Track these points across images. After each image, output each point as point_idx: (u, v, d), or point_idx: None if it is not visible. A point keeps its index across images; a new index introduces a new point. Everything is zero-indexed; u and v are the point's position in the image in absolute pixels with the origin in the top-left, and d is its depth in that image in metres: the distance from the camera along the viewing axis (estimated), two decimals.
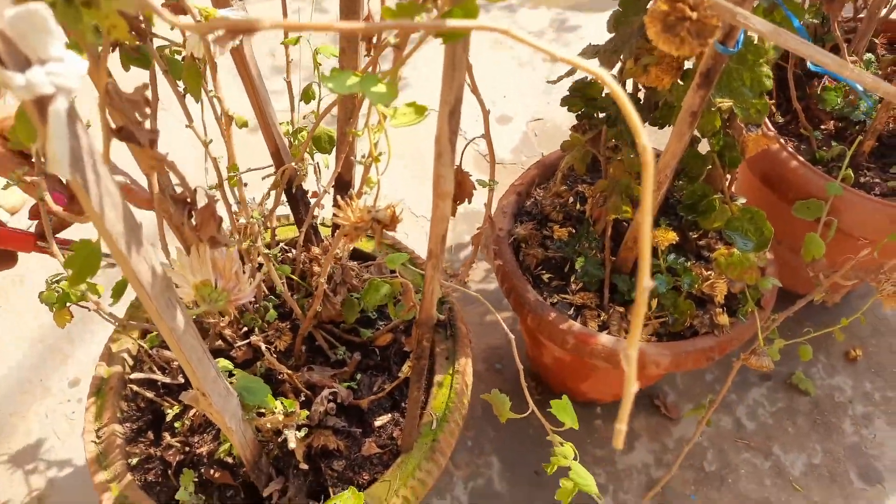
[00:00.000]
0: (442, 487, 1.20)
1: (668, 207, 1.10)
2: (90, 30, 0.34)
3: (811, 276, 1.01)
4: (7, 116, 0.69)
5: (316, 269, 0.87)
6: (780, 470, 1.23)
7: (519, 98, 1.81)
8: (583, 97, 0.93)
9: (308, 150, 0.90)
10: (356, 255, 1.00)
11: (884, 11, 1.16)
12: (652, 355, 0.93)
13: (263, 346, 0.80)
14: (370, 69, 0.63)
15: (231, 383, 0.66)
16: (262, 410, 0.73)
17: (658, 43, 0.48)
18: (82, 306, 0.82)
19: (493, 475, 1.22)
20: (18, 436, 1.25)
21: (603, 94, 0.94)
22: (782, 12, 0.75)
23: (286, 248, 0.98)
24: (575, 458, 0.73)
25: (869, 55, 1.21)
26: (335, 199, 0.81)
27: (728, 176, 0.92)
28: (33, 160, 0.64)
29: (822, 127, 1.19)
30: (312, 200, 0.95)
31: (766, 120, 1.16)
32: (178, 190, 0.61)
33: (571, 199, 1.12)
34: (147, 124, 0.49)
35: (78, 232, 0.67)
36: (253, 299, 0.90)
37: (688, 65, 0.82)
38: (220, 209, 0.68)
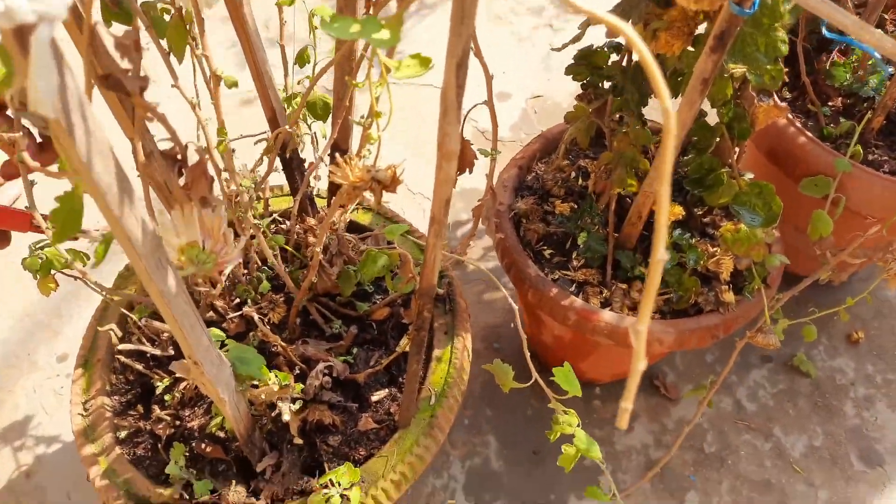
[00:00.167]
0: (438, 466, 1.18)
1: (673, 183, 1.07)
2: None
3: (818, 254, 0.98)
4: None
5: (311, 239, 0.84)
6: (781, 451, 1.22)
7: (518, 75, 1.78)
8: (588, 65, 0.90)
9: (303, 117, 0.87)
10: (353, 227, 0.97)
11: None
12: (656, 333, 0.91)
13: (256, 317, 0.77)
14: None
15: (224, 353, 0.64)
16: (256, 383, 0.70)
17: None
18: (67, 274, 0.79)
19: (490, 454, 1.20)
20: (5, 411, 1.23)
21: (609, 63, 0.91)
22: None
23: (280, 219, 0.95)
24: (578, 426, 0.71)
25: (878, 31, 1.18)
26: (332, 158, 0.78)
27: (736, 149, 0.89)
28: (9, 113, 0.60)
29: (830, 103, 1.17)
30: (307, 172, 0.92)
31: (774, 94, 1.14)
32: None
33: (573, 174, 1.10)
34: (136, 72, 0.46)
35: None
36: (245, 271, 0.88)
37: (699, 31, 0.79)
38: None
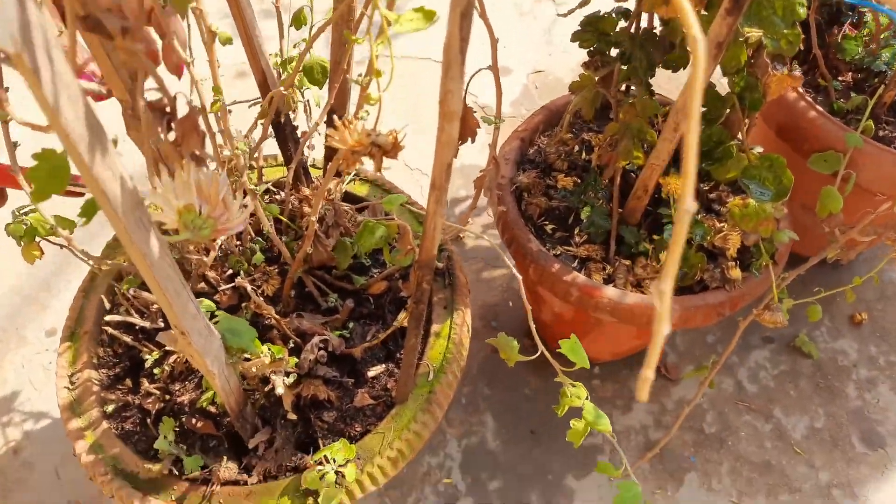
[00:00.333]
0: (435, 445, 1.16)
1: (678, 158, 1.04)
2: None
3: (826, 231, 0.96)
4: None
5: (306, 209, 0.81)
6: (782, 433, 1.20)
7: (519, 49, 1.74)
8: (595, 31, 0.87)
9: (298, 82, 0.84)
10: (349, 198, 0.94)
11: None
12: None
13: (249, 288, 0.74)
14: None
15: (213, 325, 0.61)
16: (248, 356, 0.68)
17: None
18: (53, 242, 0.76)
19: (487, 433, 1.18)
20: None
21: (617, 29, 0.88)
22: None
23: (273, 189, 0.92)
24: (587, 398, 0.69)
25: None
26: (329, 125, 0.75)
27: (747, 121, 0.86)
28: None
29: (840, 78, 1.14)
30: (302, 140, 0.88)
31: None
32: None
33: (577, 148, 1.07)
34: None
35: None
36: (238, 241, 0.85)
37: None
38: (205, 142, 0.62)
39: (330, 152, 0.89)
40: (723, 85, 0.87)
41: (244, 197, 0.75)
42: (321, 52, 0.84)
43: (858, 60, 1.11)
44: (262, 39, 0.77)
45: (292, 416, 0.73)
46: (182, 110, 0.49)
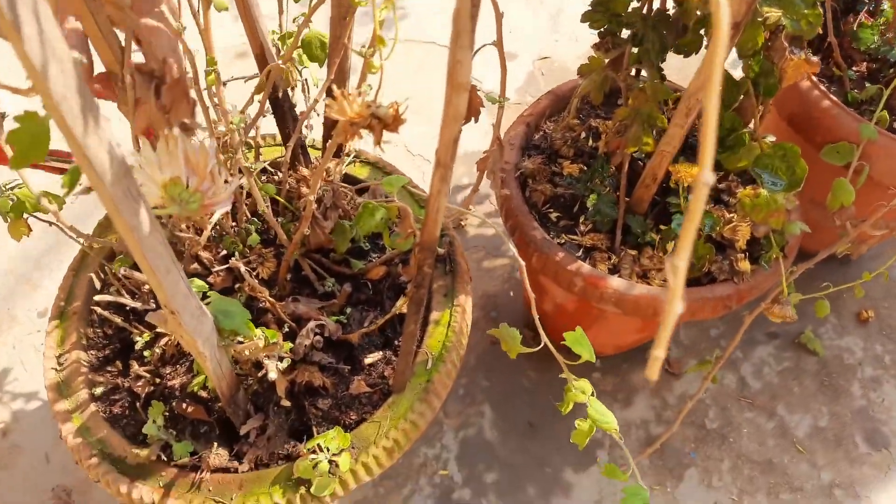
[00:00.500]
0: (431, 436, 1.14)
1: (688, 147, 1.02)
2: None
3: (837, 224, 0.93)
4: None
5: (304, 190, 0.79)
6: (784, 431, 1.18)
7: (525, 35, 1.71)
8: (606, 11, 0.84)
9: (297, 58, 0.81)
10: (349, 180, 0.92)
11: None
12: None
13: (243, 269, 0.72)
14: None
15: (205, 306, 0.58)
16: (241, 339, 0.65)
17: None
18: (41, 219, 0.74)
19: (484, 425, 1.16)
20: None
21: (629, 9, 0.85)
22: None
23: (271, 169, 0.89)
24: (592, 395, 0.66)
25: None
26: (329, 91, 0.72)
27: (761, 107, 0.84)
28: None
29: (855, 68, 1.11)
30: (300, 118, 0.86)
31: None
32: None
33: (584, 134, 1.04)
34: None
35: None
36: (233, 222, 0.82)
37: None
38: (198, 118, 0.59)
39: (329, 131, 0.87)
40: (728, 75, 0.84)
41: (240, 175, 0.73)
42: (321, 29, 0.81)
43: (874, 50, 1.08)
44: (260, 11, 0.74)
45: (286, 403, 0.71)
46: (172, 76, 0.46)
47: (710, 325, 1.30)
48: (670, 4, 0.85)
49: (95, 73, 0.58)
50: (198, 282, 0.67)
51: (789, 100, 1.05)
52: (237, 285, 0.77)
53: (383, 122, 0.54)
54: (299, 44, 0.82)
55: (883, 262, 1.34)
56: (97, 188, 0.41)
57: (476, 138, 1.51)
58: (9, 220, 0.71)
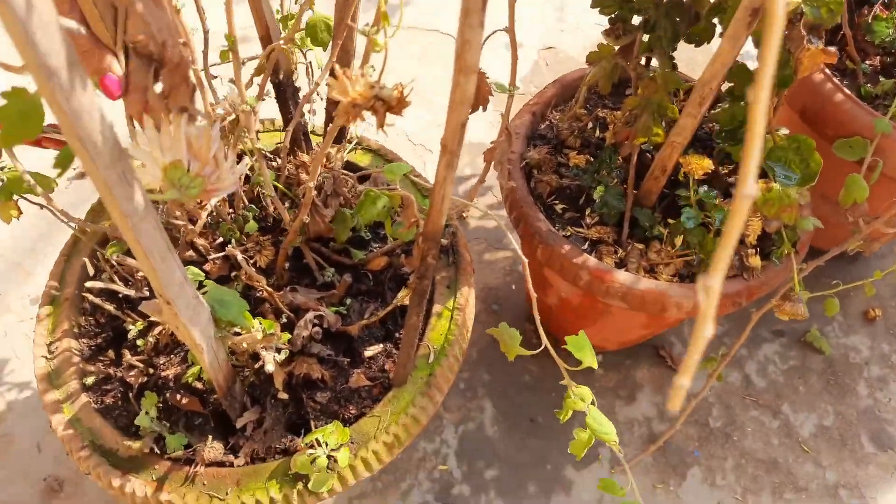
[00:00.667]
0: (431, 430, 1.12)
1: (697, 139, 0.99)
2: None
3: (850, 221, 0.91)
4: None
5: (304, 177, 0.77)
6: (789, 430, 1.16)
7: (530, 24, 1.68)
8: None
9: (300, 41, 0.78)
10: (350, 168, 0.89)
11: None
12: (675, 297, 0.84)
13: (240, 257, 0.70)
14: None
15: (201, 295, 0.56)
16: (238, 330, 0.63)
17: None
18: (32, 202, 0.71)
19: (485, 420, 1.14)
20: None
21: None
22: None
23: (270, 156, 0.87)
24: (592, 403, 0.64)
25: None
26: (331, 72, 0.69)
27: (775, 99, 0.81)
28: None
29: (868, 61, 1.08)
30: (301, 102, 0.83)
31: None
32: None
33: (590, 125, 1.02)
34: None
35: None
36: (230, 209, 0.80)
37: None
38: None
39: (332, 116, 0.84)
40: (743, 66, 0.82)
41: (244, 159, 0.70)
42: (325, 12, 0.78)
43: (888, 43, 1.06)
44: None
45: (283, 396, 0.69)
46: (172, 60, 0.44)
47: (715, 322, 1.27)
48: None
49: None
50: (193, 269, 0.64)
51: (801, 92, 1.03)
52: (234, 274, 0.74)
53: (387, 103, 0.52)
54: (303, 26, 0.79)
55: (893, 260, 1.32)
56: (90, 171, 0.39)
57: (481, 128, 1.48)
58: None
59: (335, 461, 0.64)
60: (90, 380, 0.71)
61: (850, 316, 1.29)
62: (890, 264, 1.34)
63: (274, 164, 0.86)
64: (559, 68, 1.60)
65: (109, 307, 0.75)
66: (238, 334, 0.60)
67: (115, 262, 0.74)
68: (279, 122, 0.89)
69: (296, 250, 0.80)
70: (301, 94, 0.83)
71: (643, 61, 0.91)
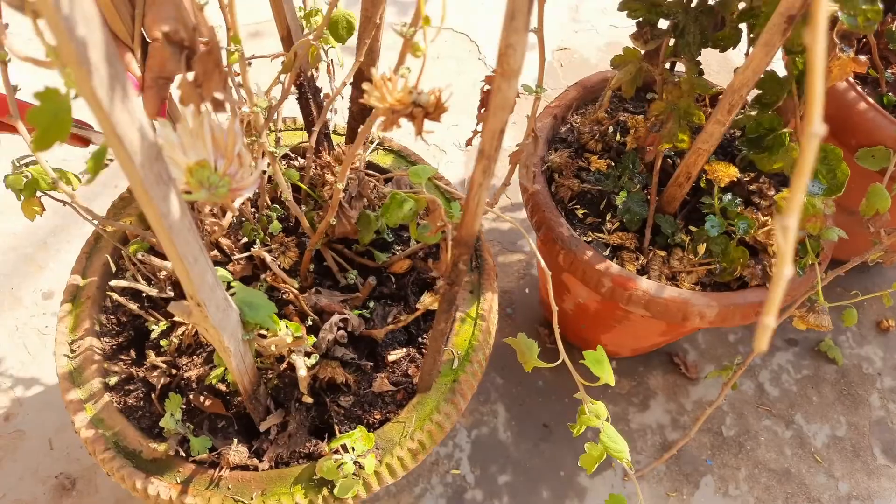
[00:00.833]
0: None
1: (719, 145, 0.99)
2: None
3: (871, 231, 0.91)
4: None
5: (329, 177, 0.76)
6: (802, 440, 1.16)
7: (544, 25, 1.67)
8: (645, 1, 0.81)
9: (322, 39, 0.78)
10: (371, 168, 0.88)
11: None
12: (698, 306, 0.83)
13: (269, 260, 0.69)
14: None
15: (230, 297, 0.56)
16: (264, 332, 0.63)
17: None
18: (55, 198, 0.71)
19: (498, 424, 1.14)
20: None
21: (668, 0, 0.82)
22: None
23: (292, 154, 0.86)
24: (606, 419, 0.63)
25: None
26: (357, 82, 0.69)
27: (801, 108, 0.81)
28: None
29: (890, 70, 1.08)
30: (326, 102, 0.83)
31: None
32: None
33: (611, 129, 1.01)
34: None
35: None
36: (254, 208, 0.79)
37: None
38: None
39: (355, 116, 0.84)
40: (772, 73, 0.81)
41: (263, 159, 0.70)
42: (346, 7, 0.78)
43: None
44: None
45: (307, 399, 0.68)
46: (204, 45, 0.43)
47: (729, 330, 1.27)
48: None
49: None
50: (221, 271, 0.64)
51: (824, 100, 1.02)
52: (259, 275, 0.74)
53: (425, 109, 0.51)
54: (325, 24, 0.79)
55: None
56: (127, 171, 0.38)
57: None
58: (21, 198, 0.68)
59: (362, 467, 0.63)
60: (113, 379, 0.71)
61: (864, 326, 1.29)
62: None
63: (295, 163, 0.86)
64: (574, 69, 1.60)
65: (132, 306, 0.74)
66: (263, 336, 0.59)
67: (138, 261, 0.73)
68: (301, 120, 0.88)
69: (317, 251, 0.79)
70: (321, 93, 0.82)
71: (668, 64, 0.91)
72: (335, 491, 0.62)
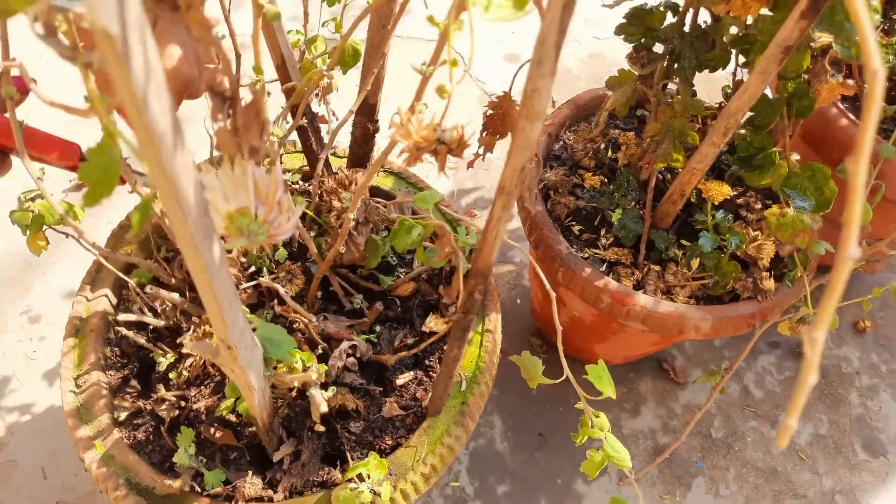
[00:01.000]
0: None
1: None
2: None
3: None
4: None
5: (335, 203, 0.76)
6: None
7: (529, 35, 1.69)
8: (642, 26, 0.82)
9: (322, 62, 0.78)
10: (373, 191, 0.89)
11: None
12: (693, 320, 0.86)
13: (282, 291, 0.69)
14: None
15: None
16: (278, 365, 0.63)
17: None
18: (59, 231, 0.70)
19: (494, 435, 1.15)
20: None
21: (664, 25, 0.84)
22: None
23: (292, 179, 0.86)
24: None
25: None
26: (363, 110, 0.69)
27: (792, 129, 0.84)
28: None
29: (867, 85, 1.12)
30: (321, 125, 0.83)
31: None
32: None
33: (603, 145, 1.03)
34: None
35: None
36: None
37: None
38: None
39: (357, 140, 0.84)
40: (765, 96, 0.84)
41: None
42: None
43: (890, 68, 1.09)
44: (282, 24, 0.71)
45: (320, 428, 0.69)
46: (245, 95, 0.43)
47: None
48: (701, 17, 0.84)
49: None
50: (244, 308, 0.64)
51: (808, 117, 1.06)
52: (264, 301, 0.74)
53: (448, 146, 0.52)
54: (329, 51, 0.79)
55: (882, 275, 1.37)
56: (178, 227, 0.38)
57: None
58: (27, 233, 0.67)
59: (377, 495, 0.64)
60: (122, 415, 0.70)
61: (841, 327, 1.34)
62: (878, 278, 1.39)
63: (296, 187, 0.86)
64: (557, 80, 1.61)
65: (140, 339, 0.73)
66: (286, 372, 0.60)
67: (146, 293, 0.72)
68: (299, 144, 0.88)
69: (325, 276, 0.79)
70: (317, 117, 0.82)
71: (662, 83, 0.93)
72: None
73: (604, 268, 0.92)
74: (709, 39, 0.84)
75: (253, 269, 0.76)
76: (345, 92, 0.96)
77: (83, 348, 0.73)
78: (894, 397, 1.26)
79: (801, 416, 1.23)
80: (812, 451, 1.20)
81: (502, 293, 1.30)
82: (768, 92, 0.82)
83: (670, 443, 1.17)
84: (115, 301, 0.77)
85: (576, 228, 0.96)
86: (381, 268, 0.83)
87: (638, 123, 1.06)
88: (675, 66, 0.80)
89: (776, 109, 0.79)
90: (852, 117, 1.01)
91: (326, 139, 0.85)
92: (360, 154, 0.84)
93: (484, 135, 0.78)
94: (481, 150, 0.76)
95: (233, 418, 0.70)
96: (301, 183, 0.86)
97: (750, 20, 0.78)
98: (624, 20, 0.84)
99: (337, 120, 0.83)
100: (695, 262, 0.90)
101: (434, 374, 0.77)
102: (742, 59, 0.84)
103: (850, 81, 0.77)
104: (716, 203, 0.86)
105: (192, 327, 0.72)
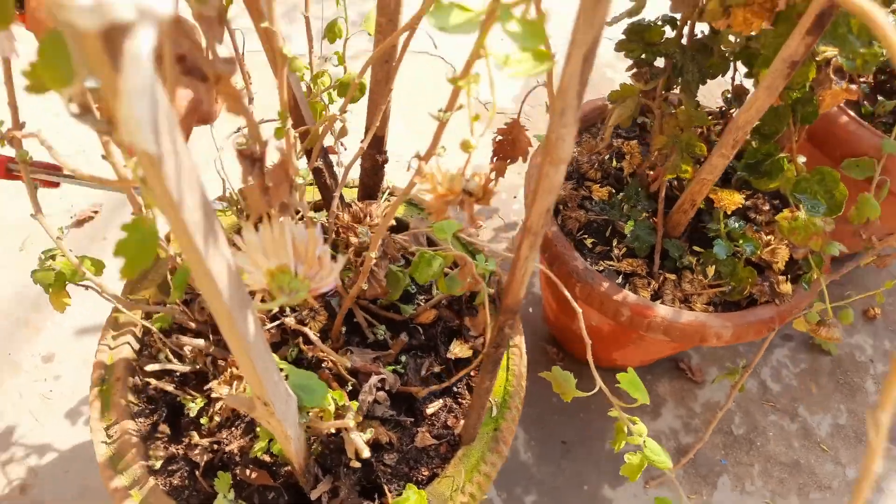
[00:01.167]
0: None
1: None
2: None
3: (862, 238, 0.95)
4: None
5: (353, 239, 0.76)
6: (808, 431, 1.21)
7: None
8: (641, 41, 0.83)
9: (328, 96, 0.79)
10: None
11: None
12: (714, 328, 0.86)
13: (312, 336, 0.69)
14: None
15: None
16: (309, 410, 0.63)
17: None
18: (80, 284, 0.70)
19: (518, 446, 1.16)
20: None
21: (663, 39, 0.84)
22: None
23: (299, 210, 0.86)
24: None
25: None
26: (372, 144, 0.69)
27: (797, 135, 0.84)
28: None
29: (862, 79, 1.13)
30: (332, 157, 0.83)
31: None
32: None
33: (607, 156, 1.03)
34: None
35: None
36: None
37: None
38: None
39: (367, 172, 0.84)
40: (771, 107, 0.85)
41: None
42: (350, 65, 0.79)
43: (881, 63, 1.10)
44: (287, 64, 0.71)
45: (355, 464, 0.69)
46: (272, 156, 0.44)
47: None
48: (697, 29, 0.84)
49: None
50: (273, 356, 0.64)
51: None
52: (287, 339, 0.74)
53: (475, 196, 0.53)
54: (336, 84, 0.79)
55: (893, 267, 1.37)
56: (214, 303, 0.39)
57: (484, 152, 1.49)
58: (49, 292, 0.67)
59: None
60: (157, 463, 0.70)
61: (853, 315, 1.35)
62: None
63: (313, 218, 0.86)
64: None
65: (168, 387, 0.73)
66: (321, 419, 0.60)
67: (169, 342, 0.72)
68: (314, 179, 0.88)
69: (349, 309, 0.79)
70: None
71: (664, 96, 0.93)
72: None
73: (619, 279, 0.93)
74: (708, 50, 0.84)
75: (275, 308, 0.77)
76: (351, 119, 0.96)
77: (109, 397, 0.73)
78: None
79: (820, 408, 1.24)
80: (833, 441, 1.21)
81: None
82: None
83: (693, 442, 1.17)
84: (137, 347, 0.77)
85: (588, 241, 0.96)
86: (401, 297, 0.83)
87: (640, 132, 1.07)
88: (679, 80, 0.80)
89: (783, 119, 0.80)
90: (852, 114, 1.02)
91: (338, 172, 0.86)
92: (370, 185, 0.85)
93: (495, 160, 0.78)
94: (493, 176, 0.77)
95: (267, 458, 0.71)
96: (314, 213, 0.86)
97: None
98: (623, 36, 0.84)
99: (345, 150, 0.84)
100: (710, 270, 0.91)
101: (463, 401, 0.77)
102: (743, 68, 0.85)
103: (853, 87, 0.78)
104: (729, 212, 0.87)
105: (219, 371, 0.73)
